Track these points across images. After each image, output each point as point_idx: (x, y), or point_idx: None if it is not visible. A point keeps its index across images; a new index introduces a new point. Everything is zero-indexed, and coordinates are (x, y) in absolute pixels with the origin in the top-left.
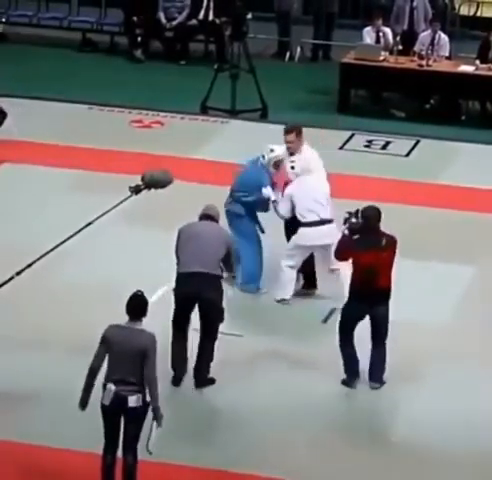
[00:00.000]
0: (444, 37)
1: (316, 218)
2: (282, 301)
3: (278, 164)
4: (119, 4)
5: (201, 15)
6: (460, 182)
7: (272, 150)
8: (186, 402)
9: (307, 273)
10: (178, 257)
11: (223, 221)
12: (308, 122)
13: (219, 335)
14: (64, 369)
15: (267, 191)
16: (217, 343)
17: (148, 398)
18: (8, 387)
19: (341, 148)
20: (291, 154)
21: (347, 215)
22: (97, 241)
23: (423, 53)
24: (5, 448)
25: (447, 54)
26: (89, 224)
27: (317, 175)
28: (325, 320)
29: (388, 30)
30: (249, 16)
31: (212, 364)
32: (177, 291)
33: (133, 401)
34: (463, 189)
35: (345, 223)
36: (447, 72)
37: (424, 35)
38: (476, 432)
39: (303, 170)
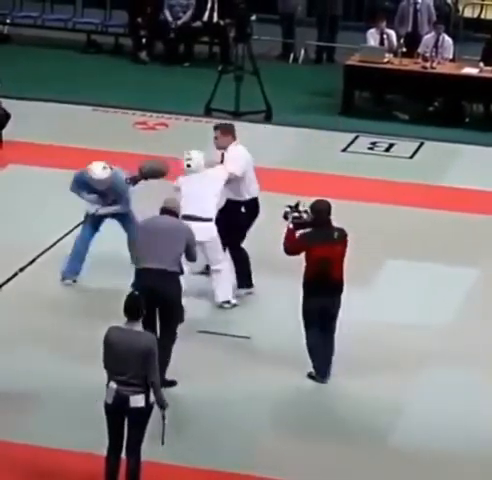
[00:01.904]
0: (448, 39)
1: (192, 213)
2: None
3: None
4: (124, 6)
5: (205, 17)
6: (464, 184)
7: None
8: (188, 404)
9: (239, 273)
10: (137, 252)
11: None
12: (312, 124)
13: (225, 337)
14: (64, 369)
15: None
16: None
17: (151, 399)
18: (8, 387)
19: (345, 150)
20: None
21: (288, 209)
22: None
23: (427, 55)
24: (5, 449)
25: (451, 56)
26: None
27: (211, 173)
28: None
29: (392, 32)
30: (253, 18)
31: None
32: (136, 286)
33: (135, 401)
34: (467, 191)
35: (286, 218)
36: (451, 74)
37: (428, 37)
38: (477, 433)
39: (199, 167)
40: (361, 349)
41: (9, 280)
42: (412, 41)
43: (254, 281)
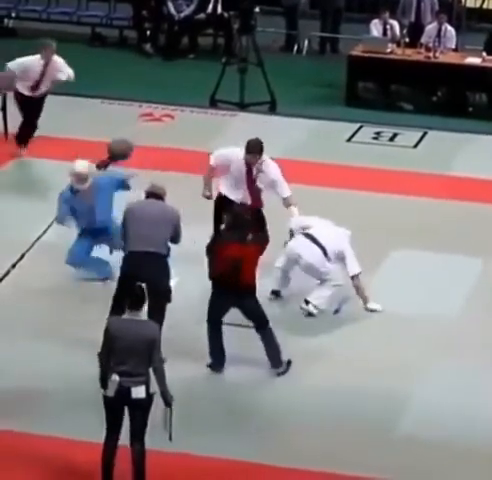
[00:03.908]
0: (450, 29)
1: None
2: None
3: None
4: None
5: (209, 9)
6: (468, 173)
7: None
8: (199, 391)
9: None
10: (124, 237)
11: None
12: (316, 114)
13: (232, 327)
14: (68, 359)
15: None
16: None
17: (151, 389)
18: (12, 379)
19: (349, 140)
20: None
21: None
22: None
23: (430, 45)
24: (10, 439)
25: (453, 46)
26: None
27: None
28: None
29: (395, 23)
30: (257, 10)
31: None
32: (122, 269)
33: (137, 392)
34: (471, 180)
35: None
36: (454, 64)
37: (430, 27)
38: (484, 422)
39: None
40: (366, 339)
41: (6, 275)
42: (415, 31)
43: None
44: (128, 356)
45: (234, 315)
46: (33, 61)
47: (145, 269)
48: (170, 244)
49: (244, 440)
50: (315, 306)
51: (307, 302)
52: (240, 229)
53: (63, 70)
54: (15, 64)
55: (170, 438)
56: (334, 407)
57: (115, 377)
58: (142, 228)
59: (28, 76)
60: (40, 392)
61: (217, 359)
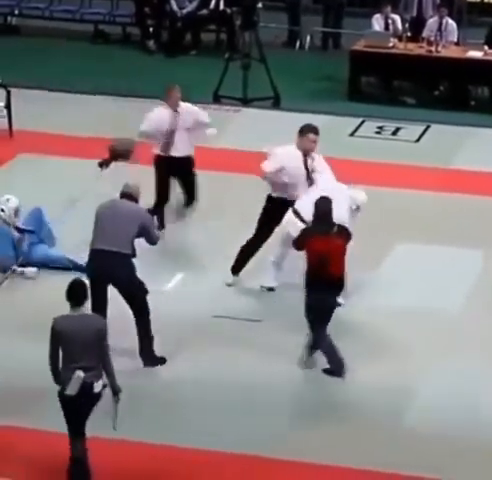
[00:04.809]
0: (452, 23)
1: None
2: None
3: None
4: None
5: (212, 5)
6: (470, 167)
7: (8, 200)
8: (204, 384)
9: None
10: (92, 234)
11: None
12: (319, 109)
13: (232, 321)
14: None
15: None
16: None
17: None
18: (12, 374)
19: (352, 135)
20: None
21: None
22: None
23: (431, 39)
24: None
25: (455, 39)
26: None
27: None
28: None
29: (397, 17)
30: (259, 5)
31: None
32: (87, 268)
33: (98, 387)
34: (473, 173)
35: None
36: (456, 58)
37: (431, 21)
38: (486, 419)
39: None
40: (371, 333)
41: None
42: (417, 25)
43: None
44: (83, 351)
45: (235, 309)
46: (160, 113)
47: (108, 267)
48: (148, 245)
49: (247, 433)
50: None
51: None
52: (325, 222)
53: (198, 116)
54: (145, 124)
55: (114, 427)
56: (337, 402)
57: (79, 373)
58: (106, 227)
59: (160, 132)
60: (41, 389)
61: (338, 364)
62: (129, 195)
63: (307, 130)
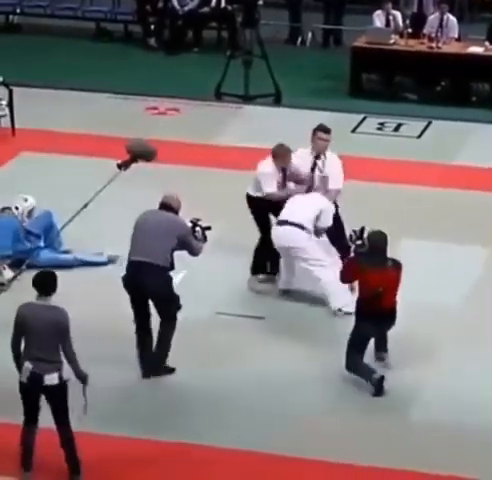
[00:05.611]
0: (452, 19)
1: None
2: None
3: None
4: None
5: (213, 2)
6: (472, 162)
7: (26, 199)
8: (209, 380)
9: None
10: (130, 245)
11: None
12: (321, 106)
13: (236, 318)
14: None
15: None
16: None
17: (65, 375)
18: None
19: (353, 131)
20: None
21: (352, 233)
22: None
23: (432, 35)
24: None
25: (456, 36)
26: (85, 206)
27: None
28: (339, 310)
29: (398, 13)
30: (260, 2)
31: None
32: (123, 278)
33: (49, 379)
34: (475, 169)
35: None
36: (457, 54)
37: (432, 17)
38: (489, 414)
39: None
40: None
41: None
42: (418, 22)
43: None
44: (39, 341)
45: (240, 307)
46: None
47: (143, 280)
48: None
49: (247, 430)
50: (344, 306)
51: (339, 309)
52: (380, 254)
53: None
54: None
55: (85, 411)
56: (344, 396)
57: (28, 364)
58: (142, 238)
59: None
60: None
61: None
62: (168, 205)
63: (317, 129)
